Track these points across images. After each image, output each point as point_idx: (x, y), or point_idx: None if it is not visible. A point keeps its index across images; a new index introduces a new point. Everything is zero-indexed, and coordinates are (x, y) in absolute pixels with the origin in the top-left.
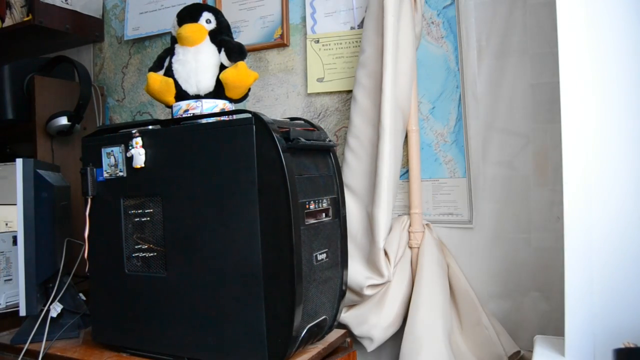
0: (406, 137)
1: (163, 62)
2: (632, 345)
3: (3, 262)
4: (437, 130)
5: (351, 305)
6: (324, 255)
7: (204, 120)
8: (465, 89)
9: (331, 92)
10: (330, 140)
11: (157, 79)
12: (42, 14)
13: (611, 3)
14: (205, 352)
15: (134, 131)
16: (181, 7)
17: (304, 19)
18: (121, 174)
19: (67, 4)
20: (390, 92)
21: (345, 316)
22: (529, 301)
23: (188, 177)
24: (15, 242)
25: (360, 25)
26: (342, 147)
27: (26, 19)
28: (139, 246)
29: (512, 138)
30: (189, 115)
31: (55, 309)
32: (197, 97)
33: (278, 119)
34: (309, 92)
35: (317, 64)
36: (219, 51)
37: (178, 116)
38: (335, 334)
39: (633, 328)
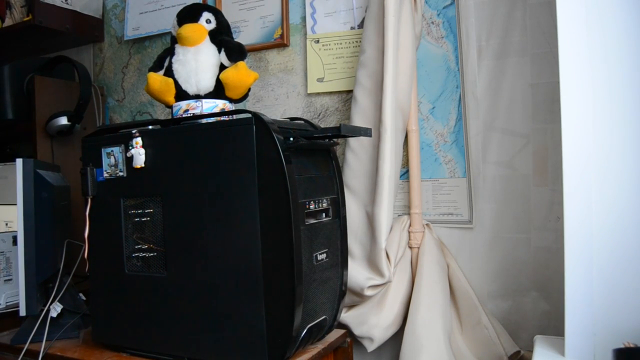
0: (406, 137)
1: (163, 62)
2: (632, 345)
3: (3, 262)
4: (437, 130)
5: (351, 306)
6: (324, 255)
7: (204, 120)
8: (465, 89)
9: (331, 92)
10: (330, 140)
11: (157, 79)
12: (42, 14)
13: (611, 3)
14: (205, 352)
15: (134, 131)
16: (181, 7)
17: (304, 19)
18: (121, 174)
19: (67, 4)
20: (391, 92)
21: (346, 316)
22: (529, 301)
23: (188, 177)
24: (15, 242)
25: (360, 25)
26: (342, 147)
27: (26, 19)
28: (139, 246)
29: (512, 138)
30: (189, 115)
31: (55, 309)
32: (197, 97)
33: (278, 119)
34: (309, 92)
35: (317, 64)
36: (219, 51)
37: (178, 116)
38: (335, 334)
39: (633, 328)
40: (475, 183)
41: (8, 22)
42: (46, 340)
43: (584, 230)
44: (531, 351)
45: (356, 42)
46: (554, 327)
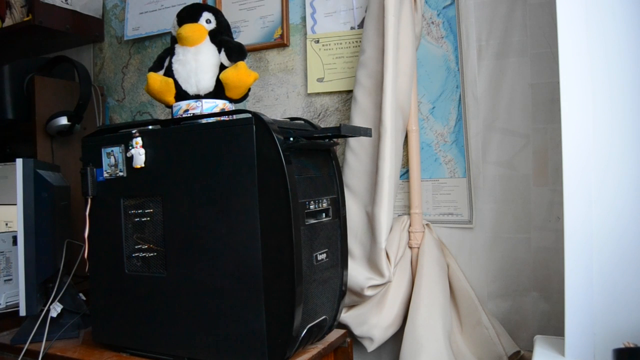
0: (406, 137)
1: (163, 62)
2: (632, 345)
3: (3, 262)
4: (437, 130)
5: (351, 306)
6: (324, 255)
7: (204, 120)
8: (465, 89)
9: (331, 92)
10: (330, 140)
11: (157, 79)
12: (42, 14)
13: (611, 3)
14: (205, 352)
15: (134, 131)
16: (181, 7)
17: (304, 19)
18: (121, 174)
19: (67, 4)
20: (391, 92)
21: (345, 316)
22: (529, 301)
23: (188, 177)
24: (15, 242)
25: (360, 25)
26: (342, 147)
27: (26, 19)
28: (139, 246)
29: (512, 138)
30: (189, 115)
31: (55, 309)
32: (197, 97)
33: (278, 119)
34: (309, 92)
35: (317, 64)
36: (219, 51)
37: (178, 116)
38: (335, 334)
39: (633, 328)
40: (475, 183)
41: (8, 22)
42: (46, 340)
43: (584, 230)
44: (531, 351)
45: (356, 42)
46: (554, 327)
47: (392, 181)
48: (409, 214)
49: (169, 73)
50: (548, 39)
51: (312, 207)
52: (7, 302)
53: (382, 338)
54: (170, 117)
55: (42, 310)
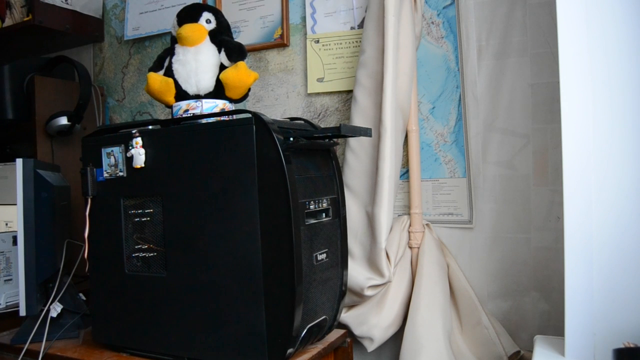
0: (406, 137)
1: (163, 62)
2: (632, 345)
3: (3, 262)
4: (437, 130)
5: (351, 306)
6: (324, 255)
7: (204, 120)
8: (465, 89)
9: (331, 92)
10: (330, 140)
11: (157, 79)
12: (42, 14)
13: (611, 3)
14: (205, 352)
15: (134, 131)
16: (181, 7)
17: (304, 19)
18: (121, 174)
19: (67, 4)
20: (391, 92)
21: (346, 316)
22: (529, 301)
23: (188, 177)
24: (15, 242)
25: (360, 25)
26: (342, 147)
27: (26, 19)
28: (139, 246)
29: (512, 138)
30: (189, 115)
31: (55, 309)
32: (197, 97)
33: (278, 119)
34: (309, 92)
35: (317, 64)
36: (219, 51)
37: (178, 116)
38: (335, 334)
39: (633, 328)
40: (475, 183)
41: (8, 22)
42: (46, 340)
43: (584, 230)
44: (531, 351)
45: (356, 42)
46: (554, 327)
47: (392, 181)
48: (409, 214)
49: (169, 73)
50: (548, 39)
51: (312, 207)
52: (7, 302)
53: (382, 338)
54: (170, 117)
55: (42, 310)
